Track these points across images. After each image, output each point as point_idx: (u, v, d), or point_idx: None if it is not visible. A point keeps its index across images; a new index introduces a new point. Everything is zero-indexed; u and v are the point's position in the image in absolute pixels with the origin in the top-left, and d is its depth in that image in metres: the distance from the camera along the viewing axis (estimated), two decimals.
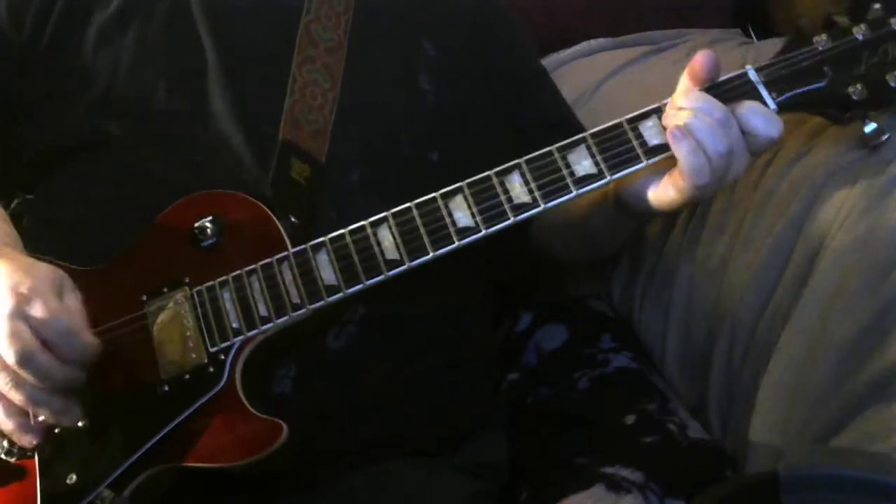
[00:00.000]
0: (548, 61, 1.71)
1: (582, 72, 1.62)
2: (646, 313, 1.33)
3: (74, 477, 0.93)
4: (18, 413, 0.93)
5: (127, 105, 1.09)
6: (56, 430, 0.95)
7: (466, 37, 1.19)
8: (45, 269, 0.96)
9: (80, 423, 0.94)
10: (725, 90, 0.92)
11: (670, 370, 1.27)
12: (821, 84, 0.92)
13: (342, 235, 0.93)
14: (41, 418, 0.93)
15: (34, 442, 0.94)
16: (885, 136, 0.95)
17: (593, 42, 1.71)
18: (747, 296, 1.12)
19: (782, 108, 0.92)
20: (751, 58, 1.43)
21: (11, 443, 0.96)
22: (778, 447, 1.01)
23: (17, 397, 0.92)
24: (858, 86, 0.92)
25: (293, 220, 0.99)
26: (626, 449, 1.07)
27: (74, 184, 1.10)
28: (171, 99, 1.09)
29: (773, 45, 1.44)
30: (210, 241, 0.97)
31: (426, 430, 1.06)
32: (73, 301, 0.96)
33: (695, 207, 1.27)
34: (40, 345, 0.90)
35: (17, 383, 0.91)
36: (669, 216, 1.30)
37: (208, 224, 0.97)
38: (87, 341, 0.93)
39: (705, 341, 1.20)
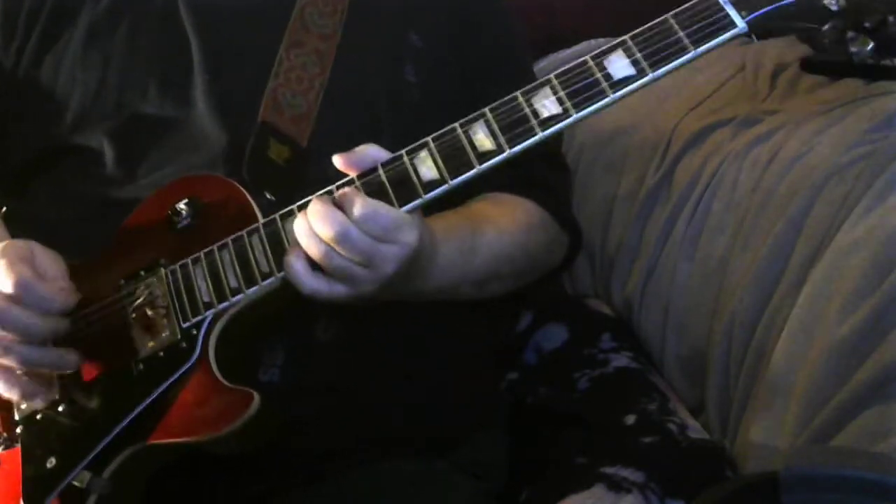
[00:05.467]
0: (548, 61, 1.72)
1: None
2: (646, 313, 1.33)
3: (54, 460, 0.94)
4: (19, 380, 0.96)
5: (117, 106, 1.10)
6: (38, 417, 0.97)
7: (450, 28, 1.19)
8: (7, 242, 0.98)
9: (60, 408, 0.96)
10: (691, 14, 0.87)
11: (670, 370, 1.27)
12: None
13: (311, 202, 0.91)
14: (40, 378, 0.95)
15: (44, 404, 0.97)
16: (871, 45, 0.88)
17: (593, 42, 1.71)
18: (747, 296, 1.12)
19: (753, 28, 0.87)
20: (751, 58, 1.43)
21: None
22: (778, 447, 1.01)
23: (10, 361, 0.94)
24: None
25: (269, 196, 1.00)
26: (626, 449, 1.07)
27: (63, 185, 1.11)
28: (163, 99, 1.09)
29: (773, 45, 1.44)
30: (186, 223, 0.98)
31: (424, 429, 1.06)
32: (46, 259, 0.97)
33: (695, 207, 1.27)
34: (8, 301, 0.92)
35: (5, 348, 0.93)
36: (670, 216, 1.31)
37: (183, 206, 0.99)
38: (49, 288, 0.94)
39: (705, 341, 1.20)
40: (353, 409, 1.02)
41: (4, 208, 1.17)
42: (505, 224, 1.11)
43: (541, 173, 1.17)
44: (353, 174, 0.90)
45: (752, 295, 1.11)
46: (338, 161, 0.90)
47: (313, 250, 0.87)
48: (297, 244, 0.88)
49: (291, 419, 0.96)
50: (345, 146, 0.91)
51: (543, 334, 1.35)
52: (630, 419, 1.14)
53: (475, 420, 1.14)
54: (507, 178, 1.08)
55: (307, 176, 1.03)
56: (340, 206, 0.88)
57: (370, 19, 1.15)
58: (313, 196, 0.91)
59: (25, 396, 0.97)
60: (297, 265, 0.88)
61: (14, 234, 1.09)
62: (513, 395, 1.27)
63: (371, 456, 1.02)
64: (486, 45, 1.21)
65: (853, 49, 0.88)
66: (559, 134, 0.89)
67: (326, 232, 0.86)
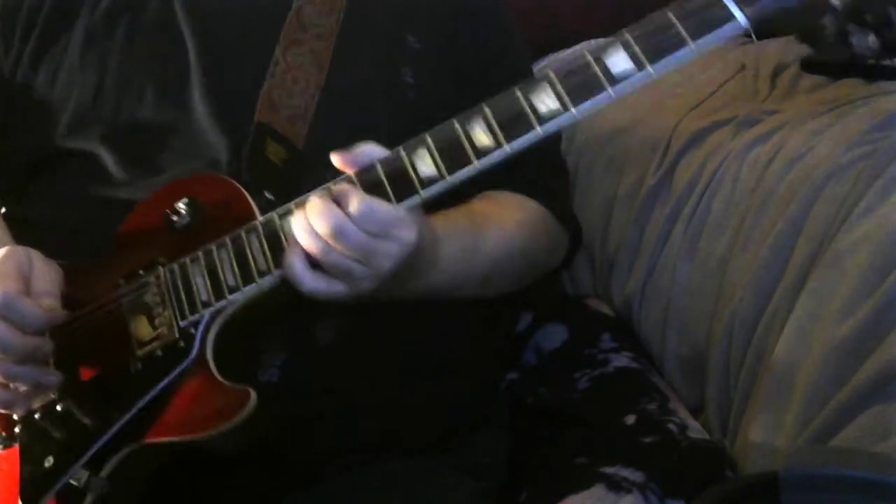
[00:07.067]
0: (548, 61, 1.72)
1: None
2: (646, 313, 1.33)
3: (52, 459, 0.94)
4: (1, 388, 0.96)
5: (114, 110, 1.10)
6: (37, 416, 0.97)
7: (448, 30, 1.18)
8: (8, 250, 0.98)
9: (58, 407, 0.96)
10: (690, 8, 0.86)
11: (670, 370, 1.27)
12: None
13: (309, 198, 0.91)
14: (22, 388, 0.95)
15: (23, 413, 0.97)
16: (871, 36, 0.86)
17: (593, 42, 1.70)
18: (747, 296, 1.12)
19: (754, 23, 0.85)
20: (751, 58, 1.43)
21: None
22: (778, 447, 1.01)
23: None
24: None
25: (268, 196, 0.99)
26: (626, 449, 1.07)
27: (62, 189, 1.10)
28: (160, 103, 1.09)
29: (773, 45, 1.45)
30: (185, 222, 0.98)
31: (424, 429, 1.06)
32: (43, 271, 0.97)
33: (695, 207, 1.27)
34: None
35: None
36: (670, 216, 1.31)
37: (182, 206, 0.98)
38: (32, 307, 0.93)
39: (705, 341, 1.20)
40: (352, 410, 1.02)
41: (3, 209, 1.17)
42: (508, 223, 1.11)
43: (541, 176, 1.17)
44: (350, 172, 0.90)
45: (752, 295, 1.11)
46: (335, 159, 0.90)
47: (310, 246, 0.87)
48: (296, 243, 0.88)
49: (291, 419, 0.96)
50: (341, 147, 0.91)
51: (543, 334, 1.35)
52: (630, 419, 1.14)
53: (475, 420, 1.13)
54: (509, 178, 1.08)
55: (304, 176, 1.03)
56: (338, 201, 0.87)
57: (368, 21, 1.15)
58: (311, 193, 0.90)
59: (3, 405, 0.97)
60: (295, 263, 0.88)
61: (14, 235, 1.09)
62: (513, 395, 1.27)
63: (371, 456, 1.02)
64: (485, 46, 1.21)
65: (854, 42, 0.87)
66: (558, 134, 0.88)
67: (323, 227, 0.86)
